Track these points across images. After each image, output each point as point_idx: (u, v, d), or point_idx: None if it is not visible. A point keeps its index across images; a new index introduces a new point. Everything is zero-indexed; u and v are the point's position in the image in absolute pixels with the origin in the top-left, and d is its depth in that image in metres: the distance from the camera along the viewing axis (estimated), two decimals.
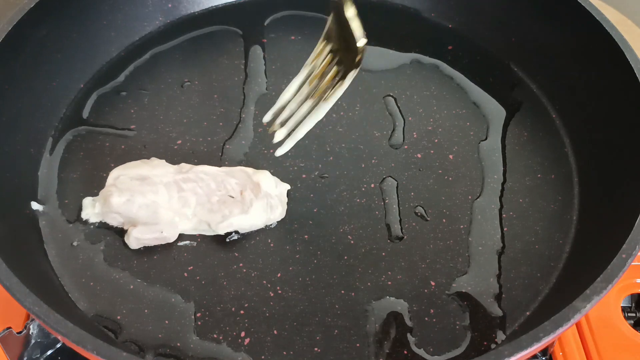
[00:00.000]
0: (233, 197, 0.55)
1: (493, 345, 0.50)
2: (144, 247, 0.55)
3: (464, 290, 0.53)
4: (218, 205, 0.55)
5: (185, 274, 0.54)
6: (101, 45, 0.69)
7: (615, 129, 0.59)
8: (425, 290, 0.53)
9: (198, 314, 0.52)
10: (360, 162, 0.61)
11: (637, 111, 0.56)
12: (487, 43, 0.71)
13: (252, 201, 0.55)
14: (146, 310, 0.52)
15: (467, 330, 0.51)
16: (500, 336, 0.51)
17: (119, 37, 0.70)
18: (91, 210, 0.56)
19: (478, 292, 0.53)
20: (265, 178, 0.57)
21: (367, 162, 0.61)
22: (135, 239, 0.54)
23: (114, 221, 0.56)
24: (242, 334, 0.51)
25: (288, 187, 0.58)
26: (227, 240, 0.56)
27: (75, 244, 0.55)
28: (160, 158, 0.58)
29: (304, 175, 0.60)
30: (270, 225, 0.57)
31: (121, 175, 0.55)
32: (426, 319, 0.52)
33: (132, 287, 0.53)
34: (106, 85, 0.67)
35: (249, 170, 0.58)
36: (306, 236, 0.56)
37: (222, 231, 0.55)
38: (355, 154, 0.62)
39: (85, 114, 0.65)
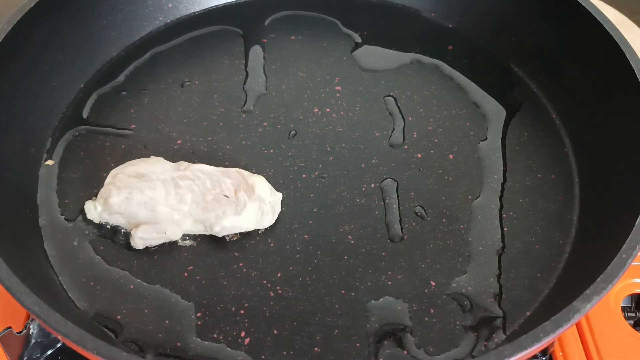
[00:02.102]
0: (227, 197, 0.55)
1: (493, 345, 0.50)
2: (145, 246, 0.55)
3: (464, 290, 0.53)
4: (212, 204, 0.54)
5: (185, 274, 0.54)
6: (101, 45, 0.69)
7: (615, 129, 0.59)
8: (425, 290, 0.53)
9: (198, 314, 0.52)
10: (360, 162, 0.61)
11: (637, 111, 0.56)
12: (487, 43, 0.71)
13: (246, 202, 0.55)
14: (146, 310, 0.52)
15: (467, 330, 0.51)
16: (500, 336, 0.51)
17: (119, 37, 0.70)
18: (94, 212, 0.56)
19: (478, 292, 0.53)
20: (260, 182, 0.56)
21: (367, 162, 0.61)
22: (140, 239, 0.54)
23: (117, 221, 0.56)
24: (242, 333, 0.51)
25: (281, 195, 0.58)
26: (227, 240, 0.56)
27: (75, 244, 0.55)
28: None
29: (304, 175, 0.60)
30: (259, 231, 0.56)
31: (119, 174, 0.55)
32: (426, 318, 0.52)
33: (132, 287, 0.53)
34: (106, 85, 0.67)
35: (245, 172, 0.57)
36: (306, 236, 0.56)
37: (216, 233, 0.55)
38: (355, 154, 0.62)
39: (85, 113, 0.65)
